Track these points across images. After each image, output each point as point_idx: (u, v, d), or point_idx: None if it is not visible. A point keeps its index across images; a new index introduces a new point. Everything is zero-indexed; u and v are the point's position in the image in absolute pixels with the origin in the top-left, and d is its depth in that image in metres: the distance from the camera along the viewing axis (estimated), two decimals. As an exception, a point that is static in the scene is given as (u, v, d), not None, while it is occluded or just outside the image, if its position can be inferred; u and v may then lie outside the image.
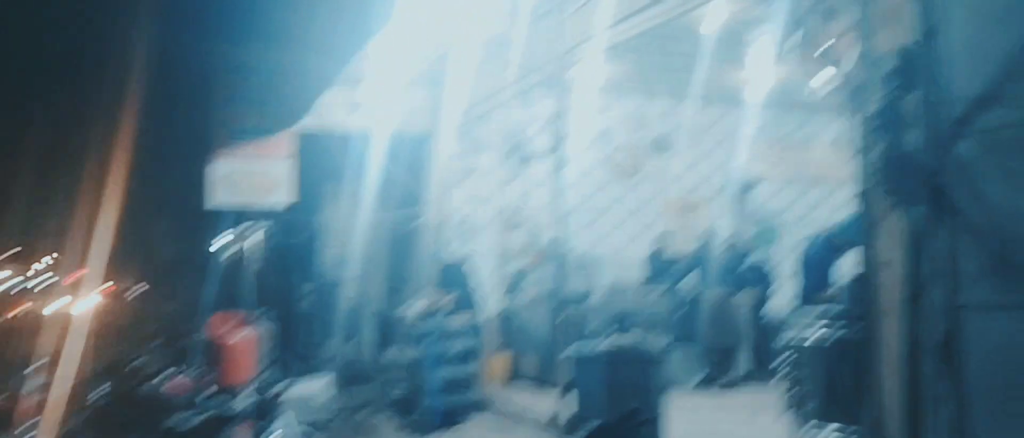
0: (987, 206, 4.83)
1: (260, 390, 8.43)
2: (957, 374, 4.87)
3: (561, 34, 10.50)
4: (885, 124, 5.31)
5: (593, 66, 12.71)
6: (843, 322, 6.35)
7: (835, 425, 6.22)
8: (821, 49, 6.88)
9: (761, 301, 12.04)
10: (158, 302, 13.53)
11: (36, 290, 44.01)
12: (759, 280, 12.29)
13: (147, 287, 32.76)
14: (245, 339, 10.90)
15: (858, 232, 7.32)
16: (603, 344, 7.26)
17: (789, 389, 6.65)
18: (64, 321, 17.21)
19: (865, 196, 5.51)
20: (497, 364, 12.42)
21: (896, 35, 5.43)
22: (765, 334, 11.31)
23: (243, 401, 8.27)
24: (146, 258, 25.65)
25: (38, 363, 11.61)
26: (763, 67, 12.30)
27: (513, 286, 13.57)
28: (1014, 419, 4.61)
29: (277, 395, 8.35)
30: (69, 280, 40.51)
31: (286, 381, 9.48)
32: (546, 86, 11.96)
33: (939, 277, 5.01)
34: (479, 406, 11.08)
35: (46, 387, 10.16)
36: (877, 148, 5.37)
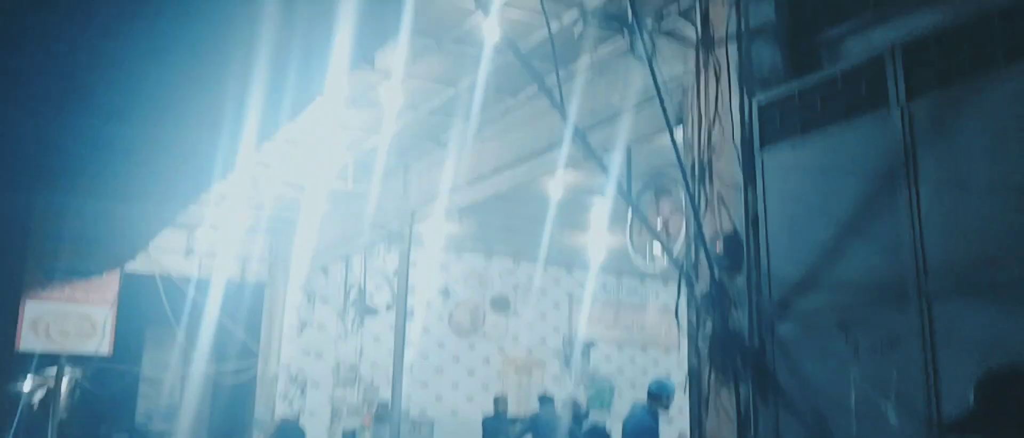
0: (808, 387, 5.10)
1: None
2: None
3: (406, 192, 10.64)
4: (713, 304, 5.58)
5: (436, 224, 12.88)
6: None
7: None
8: (654, 225, 7.27)
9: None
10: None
11: None
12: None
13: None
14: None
15: (671, 387, 7.56)
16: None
17: None
18: None
19: (695, 374, 5.72)
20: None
21: (722, 220, 5.81)
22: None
23: None
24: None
25: None
26: (600, 234, 12.81)
27: (344, 445, 13.04)
28: None
29: None
30: None
31: None
32: (388, 241, 11.97)
33: (763, 453, 5.19)
34: None
35: None
36: (706, 327, 5.62)
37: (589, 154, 6.81)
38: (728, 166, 5.86)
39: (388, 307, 12.77)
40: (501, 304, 14.55)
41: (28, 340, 11.88)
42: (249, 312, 13.31)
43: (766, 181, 5.53)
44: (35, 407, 13.86)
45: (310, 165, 10.50)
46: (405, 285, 10.40)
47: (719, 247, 5.68)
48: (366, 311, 13.03)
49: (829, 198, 5.16)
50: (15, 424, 11.32)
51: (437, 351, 13.88)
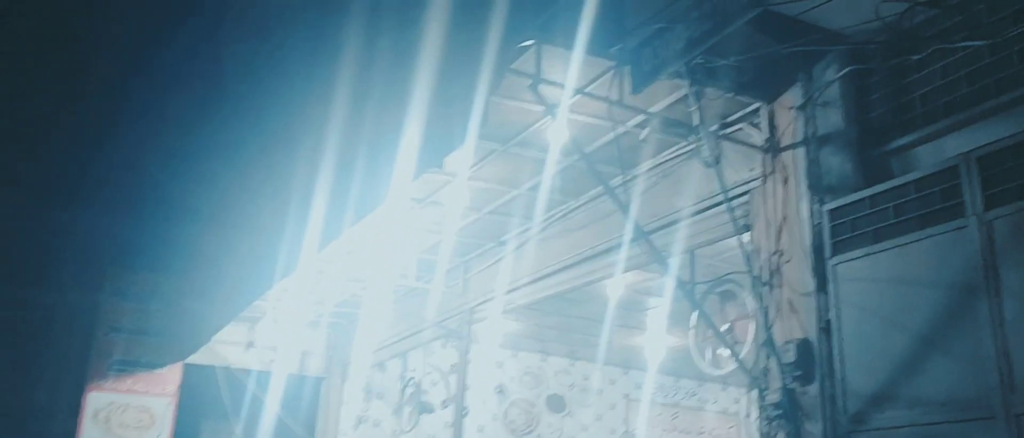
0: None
1: None
2: None
3: (466, 290, 10.68)
4: (785, 414, 5.44)
5: (493, 322, 12.86)
6: None
7: None
8: (719, 329, 7.16)
9: None
10: None
11: None
12: None
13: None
14: None
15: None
16: None
17: None
18: None
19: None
20: None
21: (793, 327, 5.71)
22: None
23: None
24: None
25: None
26: (659, 335, 12.66)
27: None
28: None
29: None
30: None
31: None
32: (446, 338, 11.96)
33: None
34: None
35: None
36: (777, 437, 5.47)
37: (653, 256, 6.80)
38: (798, 272, 5.79)
39: (444, 404, 12.67)
40: (556, 404, 14.36)
41: (89, 431, 11.99)
42: (307, 406, 13.31)
43: (838, 289, 5.44)
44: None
45: (373, 261, 10.61)
46: (463, 382, 10.35)
47: (790, 355, 5.57)
48: (422, 408, 12.94)
49: (905, 309, 5.04)
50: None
51: (492, 450, 13.69)
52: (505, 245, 9.86)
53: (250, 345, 12.97)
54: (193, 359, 12.56)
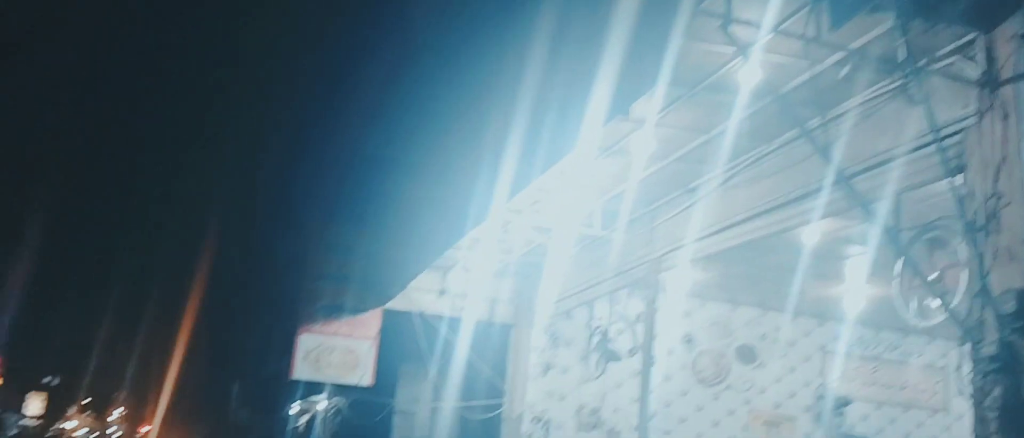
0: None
1: None
2: None
3: (652, 239, 10.60)
4: (1003, 367, 5.09)
5: (681, 271, 12.71)
6: None
7: None
8: (926, 278, 6.75)
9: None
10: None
11: (105, 443, 44.41)
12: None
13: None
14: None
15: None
16: None
17: None
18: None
19: (982, 443, 5.22)
20: None
21: (1013, 275, 5.30)
22: None
23: None
24: (218, 419, 25.71)
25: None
26: (858, 285, 12.09)
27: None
28: None
29: None
30: (137, 434, 40.75)
31: None
32: (632, 287, 11.96)
33: None
34: None
35: None
36: (994, 393, 5.13)
37: (854, 201, 6.49)
38: (1018, 217, 5.35)
39: (631, 352, 12.72)
40: (747, 354, 14.07)
41: (301, 370, 12.99)
42: (496, 352, 13.74)
43: (1066, 234, 4.99)
44: (300, 429, 15.03)
45: (559, 211, 10.74)
46: (650, 331, 10.33)
47: (1009, 304, 5.18)
48: (609, 356, 13.06)
49: None
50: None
51: (680, 400, 13.62)
52: (693, 193, 9.69)
53: (443, 292, 13.50)
54: (391, 305, 13.26)
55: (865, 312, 12.89)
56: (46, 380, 42.43)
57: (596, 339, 13.25)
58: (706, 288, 13.55)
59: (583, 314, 13.48)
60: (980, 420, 5.26)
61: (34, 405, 41.19)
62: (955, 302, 6.29)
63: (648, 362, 10.15)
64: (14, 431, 37.22)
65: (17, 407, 39.49)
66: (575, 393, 13.30)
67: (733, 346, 14.05)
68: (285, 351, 13.88)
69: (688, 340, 13.88)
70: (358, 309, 12.77)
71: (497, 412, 13.51)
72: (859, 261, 11.06)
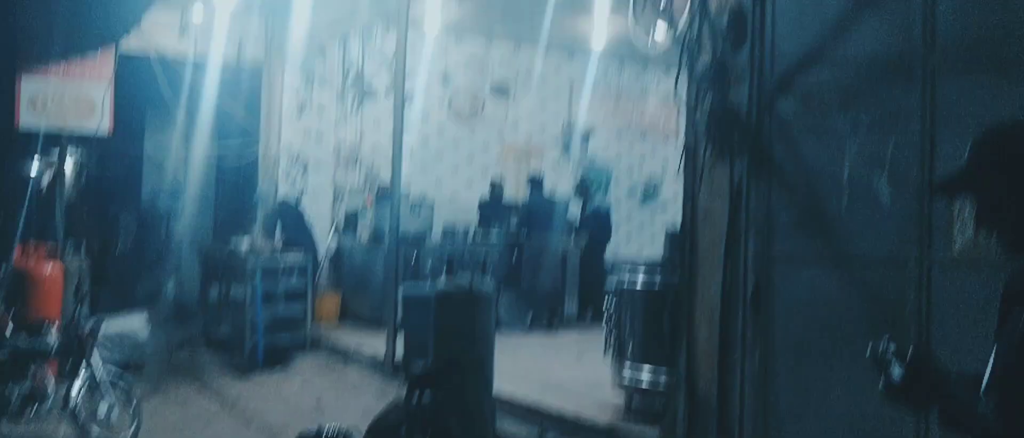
0: (802, 163, 5.12)
1: (69, 326, 7.88)
2: (765, 323, 5.18)
3: (404, -30, 10.26)
4: (714, 79, 5.50)
5: (435, 6, 12.53)
6: (663, 270, 6.61)
7: (651, 366, 6.50)
8: (658, 4, 7.04)
9: (601, 246, 12.37)
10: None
11: None
12: (601, 226, 12.65)
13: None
14: (54, 271, 10.19)
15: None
16: (434, 286, 7.24)
17: (611, 332, 6.88)
18: None
19: (690, 149, 5.72)
20: (327, 304, 12.22)
21: (728, -6, 5.61)
22: (600, 279, 11.65)
23: (46, 338, 7.73)
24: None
25: None
26: (603, 18, 12.51)
27: (346, 225, 13.35)
28: (813, 365, 4.96)
29: (88, 332, 7.84)
30: None
31: (98, 317, 8.94)
32: (386, 21, 11.68)
33: (755, 230, 5.28)
34: (307, 346, 10.89)
35: None
36: (704, 103, 5.56)
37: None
38: (737, -63, 5.59)
39: (387, 92, 12.66)
40: (501, 90, 14.44)
41: (27, 117, 11.86)
42: (248, 95, 13.19)
43: (776, -49, 5.29)
44: (44, 190, 14.03)
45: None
46: (403, 68, 10.23)
47: (722, 21, 5.53)
48: (365, 94, 12.94)
49: (840, -31, 4.95)
50: (25, 205, 11.46)
51: (437, 136, 13.91)
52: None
53: (184, 30, 12.57)
54: (130, 47, 12.20)
55: (610, 46, 13.48)
56: None
57: (351, 77, 13.03)
58: (461, 24, 13.53)
59: (337, 52, 13.12)
60: (690, 128, 5.73)
61: None
62: (681, 25, 6.64)
63: (400, 99, 10.13)
64: None
65: None
66: (333, 132, 13.19)
67: (488, 83, 14.34)
68: (8, 98, 12.59)
69: (444, 78, 13.99)
70: (87, 49, 11.63)
71: (253, 155, 13.21)
72: (604, -7, 11.37)
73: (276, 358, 10.48)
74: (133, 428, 7.72)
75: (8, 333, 7.94)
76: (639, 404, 6.66)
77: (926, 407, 2.26)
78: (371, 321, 11.31)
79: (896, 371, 2.08)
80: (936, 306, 4.36)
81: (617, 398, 6.90)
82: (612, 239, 12.92)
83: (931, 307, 4.37)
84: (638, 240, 14.96)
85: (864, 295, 4.73)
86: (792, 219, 5.14)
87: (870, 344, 2.16)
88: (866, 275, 4.73)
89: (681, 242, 5.78)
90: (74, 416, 7.36)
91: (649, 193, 14.78)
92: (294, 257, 11.22)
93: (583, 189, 12.90)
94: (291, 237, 11.93)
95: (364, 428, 3.32)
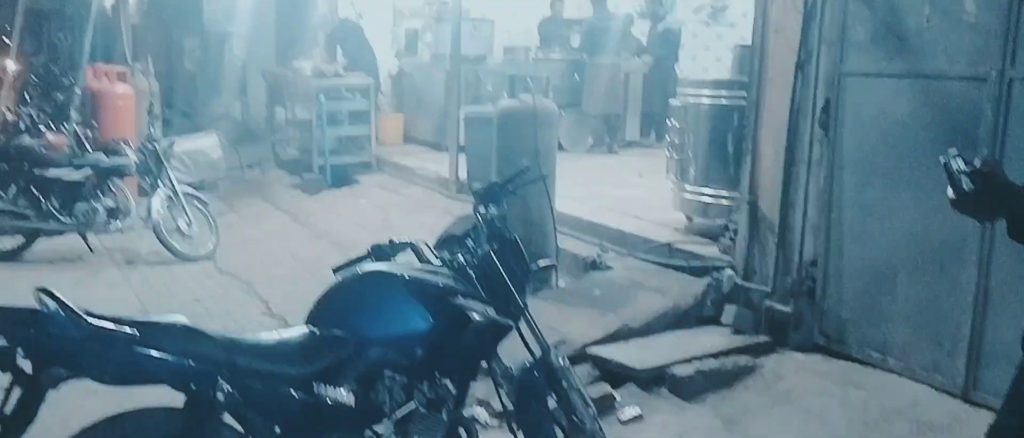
0: (879, -27, 4.87)
1: (142, 146, 8.15)
2: (833, 141, 5.09)
3: None
4: None
5: None
6: (730, 89, 6.48)
7: (713, 185, 6.50)
8: None
9: (669, 67, 12.10)
10: (26, 55, 12.46)
11: None
12: (670, 46, 12.35)
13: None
14: (125, 93, 10.43)
15: None
16: (495, 106, 7.23)
17: (673, 150, 6.85)
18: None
19: (764, -40, 5.47)
20: (390, 124, 12.34)
21: None
22: (665, 101, 11.48)
23: (125, 156, 8.01)
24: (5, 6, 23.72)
25: None
26: None
27: (407, 46, 13.27)
28: (879, 184, 4.90)
29: (164, 151, 8.10)
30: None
31: (169, 138, 9.20)
32: None
33: (827, 45, 5.11)
34: (371, 166, 11.11)
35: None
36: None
37: None
38: None
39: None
40: None
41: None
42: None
43: None
44: (108, 12, 14.12)
45: None
46: None
47: None
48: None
49: None
50: (90, 29, 11.57)
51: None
52: None
53: None
54: None
55: None
56: None
57: None
58: None
59: None
60: (764, -62, 5.45)
61: None
62: None
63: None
64: None
65: None
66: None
67: None
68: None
69: None
70: None
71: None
72: None
73: (342, 178, 10.75)
74: (213, 242, 8.11)
75: (89, 151, 8.27)
76: (700, 222, 6.71)
77: (994, 218, 2.27)
78: (434, 143, 11.43)
79: (965, 181, 2.10)
80: (1013, 123, 4.23)
81: (678, 217, 6.96)
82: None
83: (1007, 124, 4.24)
84: (703, 60, 14.55)
85: (938, 112, 4.60)
86: (867, 34, 4.94)
87: (943, 154, 2.17)
88: (942, 91, 4.58)
89: (750, 58, 5.63)
90: (156, 230, 7.73)
91: (718, 10, 14.22)
92: (356, 78, 11.27)
93: (655, 6, 12.50)
94: (353, 58, 11.94)
95: (432, 243, 3.44)
